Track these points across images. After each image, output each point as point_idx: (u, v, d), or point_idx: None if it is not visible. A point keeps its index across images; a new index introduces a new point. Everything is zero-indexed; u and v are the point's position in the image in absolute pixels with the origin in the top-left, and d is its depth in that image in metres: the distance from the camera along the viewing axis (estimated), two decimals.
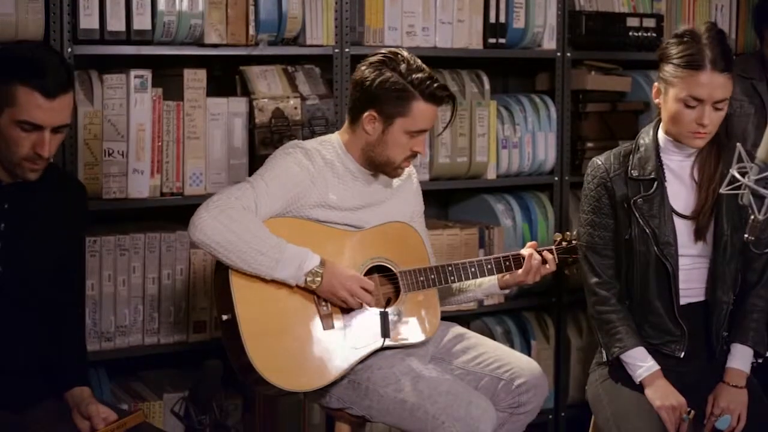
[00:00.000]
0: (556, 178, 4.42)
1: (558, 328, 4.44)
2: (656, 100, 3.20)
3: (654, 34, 4.49)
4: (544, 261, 3.38)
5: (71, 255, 3.01)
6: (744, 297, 3.26)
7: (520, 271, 3.35)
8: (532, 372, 3.24)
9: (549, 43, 4.35)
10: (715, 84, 3.06)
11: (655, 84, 3.20)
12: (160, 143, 3.63)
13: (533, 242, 3.45)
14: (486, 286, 3.43)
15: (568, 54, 4.38)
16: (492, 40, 4.20)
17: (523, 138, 4.34)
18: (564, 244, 3.43)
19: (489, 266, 3.36)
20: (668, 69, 3.13)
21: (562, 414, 4.47)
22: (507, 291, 3.47)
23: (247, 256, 2.98)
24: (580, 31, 4.34)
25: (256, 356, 2.99)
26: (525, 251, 3.38)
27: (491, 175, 4.28)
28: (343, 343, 3.11)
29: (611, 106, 4.54)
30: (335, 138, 3.27)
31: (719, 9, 4.78)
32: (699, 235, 3.19)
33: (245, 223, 2.99)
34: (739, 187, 2.70)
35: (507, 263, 3.36)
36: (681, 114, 3.11)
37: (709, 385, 3.23)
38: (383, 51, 3.21)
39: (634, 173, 3.21)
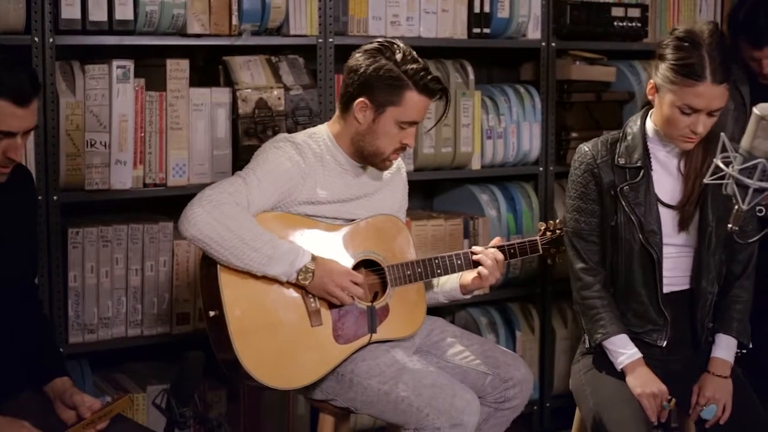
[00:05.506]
0: (541, 169, 4.41)
1: (543, 318, 4.45)
2: (650, 97, 3.17)
3: (639, 24, 4.49)
4: (507, 257, 3.34)
5: (34, 245, 3.01)
6: (728, 288, 3.27)
7: (479, 274, 3.28)
8: (519, 368, 3.23)
9: (534, 33, 4.34)
10: (713, 95, 3.03)
11: (651, 81, 3.15)
12: (142, 134, 3.61)
13: (498, 237, 3.41)
14: (448, 288, 3.37)
15: (553, 44, 4.38)
16: (476, 30, 4.19)
17: (507, 128, 4.33)
18: (548, 234, 3.41)
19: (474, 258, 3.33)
20: (666, 73, 3.07)
21: (548, 404, 4.47)
22: (468, 296, 3.40)
23: (239, 252, 2.96)
24: (565, 20, 4.34)
25: (244, 354, 2.97)
26: (480, 255, 3.28)
27: (476, 165, 4.27)
28: (331, 339, 3.09)
29: (596, 96, 4.54)
30: (324, 129, 3.24)
31: None
32: (683, 225, 3.19)
33: (238, 219, 2.96)
34: (723, 177, 2.70)
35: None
36: (675, 119, 3.09)
37: (693, 375, 3.24)
38: (379, 39, 3.19)
39: (621, 161, 3.20)
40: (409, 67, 3.10)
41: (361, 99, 3.12)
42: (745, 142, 2.66)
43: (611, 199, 3.21)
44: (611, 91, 4.57)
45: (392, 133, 3.13)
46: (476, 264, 3.29)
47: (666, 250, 3.18)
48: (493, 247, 3.32)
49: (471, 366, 3.22)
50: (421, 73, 3.10)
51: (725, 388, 3.19)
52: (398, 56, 3.11)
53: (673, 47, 3.08)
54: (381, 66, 3.10)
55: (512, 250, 3.35)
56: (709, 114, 3.06)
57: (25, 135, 2.76)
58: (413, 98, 3.10)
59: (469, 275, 3.31)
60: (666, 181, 3.21)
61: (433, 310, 3.45)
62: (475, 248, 3.32)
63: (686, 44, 3.05)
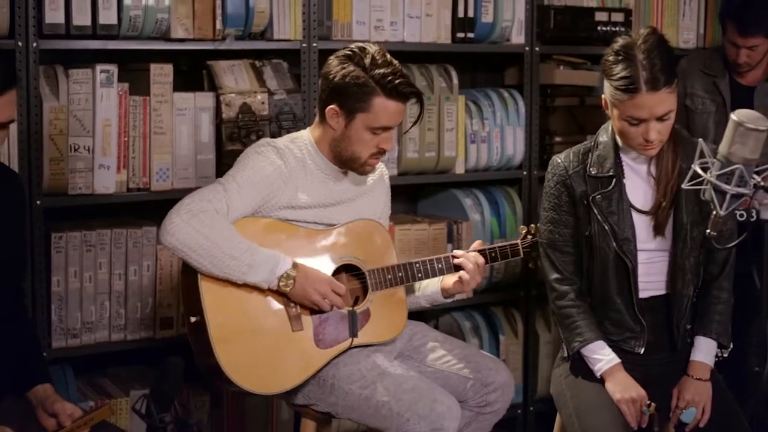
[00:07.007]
0: (525, 173, 4.42)
1: (526, 322, 4.45)
2: (606, 111, 3.19)
3: (622, 29, 4.49)
4: (488, 261, 3.35)
5: (22, 247, 3.00)
6: (707, 289, 3.28)
7: (460, 279, 3.28)
8: (500, 372, 3.24)
9: (517, 38, 4.35)
10: (654, 103, 3.04)
11: (603, 95, 3.18)
12: (126, 138, 3.61)
13: (478, 241, 3.42)
14: (429, 292, 3.37)
15: (537, 48, 4.39)
16: (460, 35, 4.20)
17: (491, 132, 4.34)
18: (530, 237, 3.42)
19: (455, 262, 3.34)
20: (608, 89, 3.11)
21: (531, 408, 4.48)
22: (450, 300, 3.41)
23: (218, 261, 2.96)
24: (549, 25, 4.35)
25: (225, 360, 2.98)
26: (461, 259, 3.29)
27: (460, 169, 4.28)
28: (312, 344, 3.10)
29: (579, 100, 4.55)
30: (306, 134, 3.24)
31: (687, 2, 4.76)
32: (658, 230, 3.20)
33: (217, 227, 2.96)
34: (701, 183, 2.71)
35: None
36: (626, 131, 3.11)
37: (673, 378, 3.25)
38: (353, 45, 3.17)
39: (593, 171, 3.21)
40: (377, 71, 3.07)
41: (331, 106, 3.11)
42: (722, 147, 2.68)
43: (584, 209, 3.21)
44: (595, 96, 4.57)
45: (366, 139, 3.12)
46: (458, 268, 3.30)
47: (640, 256, 3.19)
48: (475, 250, 3.33)
49: (452, 370, 3.22)
50: (389, 78, 3.07)
51: (704, 391, 3.20)
52: (367, 61, 3.08)
53: (610, 62, 3.11)
54: (348, 72, 3.08)
55: (493, 254, 3.36)
56: (659, 119, 3.07)
57: (3, 129, 2.75)
58: (383, 104, 3.08)
59: (450, 279, 3.32)
60: (638, 186, 3.22)
61: (418, 314, 3.46)
62: (456, 252, 3.33)
63: (620, 58, 3.08)
